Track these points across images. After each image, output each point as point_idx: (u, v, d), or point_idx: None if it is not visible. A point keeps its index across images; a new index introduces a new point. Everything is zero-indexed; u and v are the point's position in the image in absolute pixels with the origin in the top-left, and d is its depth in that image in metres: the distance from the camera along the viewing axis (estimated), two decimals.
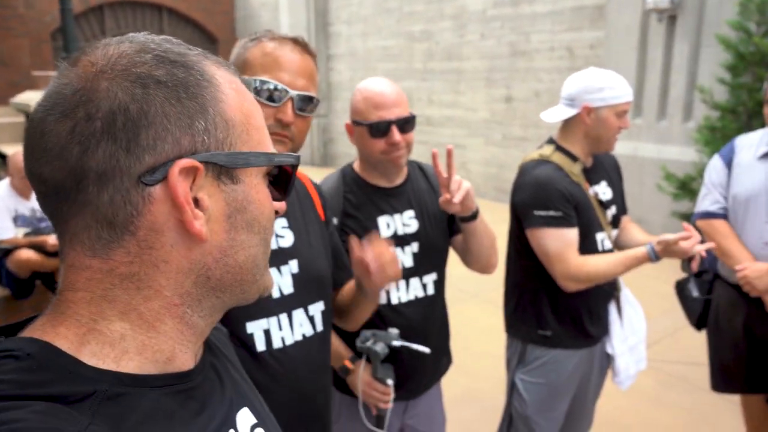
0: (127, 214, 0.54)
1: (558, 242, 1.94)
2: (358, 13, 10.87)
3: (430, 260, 1.84)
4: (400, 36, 10.06)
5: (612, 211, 2.14)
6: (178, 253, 0.56)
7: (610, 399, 3.21)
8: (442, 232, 1.87)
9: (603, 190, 2.12)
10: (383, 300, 1.76)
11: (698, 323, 2.57)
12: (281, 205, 0.67)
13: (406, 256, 1.78)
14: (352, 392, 1.75)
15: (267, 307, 1.25)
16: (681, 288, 2.53)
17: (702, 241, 1.99)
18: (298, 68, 1.23)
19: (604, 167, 2.19)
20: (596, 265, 1.95)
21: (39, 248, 4.04)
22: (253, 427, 0.68)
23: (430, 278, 1.84)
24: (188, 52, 0.59)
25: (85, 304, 0.55)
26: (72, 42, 6.71)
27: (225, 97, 0.59)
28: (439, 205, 1.67)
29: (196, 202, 0.56)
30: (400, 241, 1.77)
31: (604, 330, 2.17)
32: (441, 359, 1.95)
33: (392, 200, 1.78)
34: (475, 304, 4.85)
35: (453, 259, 1.99)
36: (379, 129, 1.66)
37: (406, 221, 1.80)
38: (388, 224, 1.78)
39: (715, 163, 2.39)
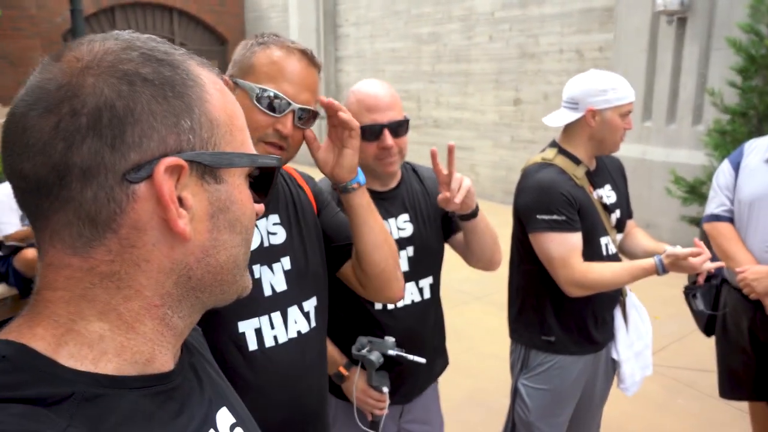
0: (110, 212, 0.53)
1: (561, 247, 1.91)
2: (367, 15, 10.88)
3: (426, 264, 1.82)
4: (408, 38, 10.05)
5: (616, 214, 2.12)
6: (160, 252, 0.56)
7: (616, 405, 3.18)
8: (437, 235, 1.85)
9: (607, 194, 2.09)
10: (379, 305, 1.74)
11: (707, 329, 2.54)
12: (261, 207, 0.67)
13: (401, 261, 1.76)
14: (345, 397, 1.74)
15: (259, 305, 1.25)
16: (688, 294, 2.50)
17: (713, 257, 1.96)
18: (303, 81, 1.23)
19: (608, 170, 2.16)
20: (601, 272, 1.92)
21: None
22: (232, 427, 0.68)
23: (426, 282, 1.82)
24: (173, 51, 0.59)
25: (63, 303, 0.55)
26: None
27: (210, 97, 0.59)
28: (438, 203, 1.62)
29: (180, 201, 0.56)
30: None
31: (609, 335, 2.14)
32: (436, 361, 1.93)
33: (386, 204, 1.75)
34: (480, 306, 4.83)
35: (456, 261, 1.97)
36: (372, 132, 1.63)
37: (401, 225, 1.78)
38: None
39: (724, 166, 2.39)
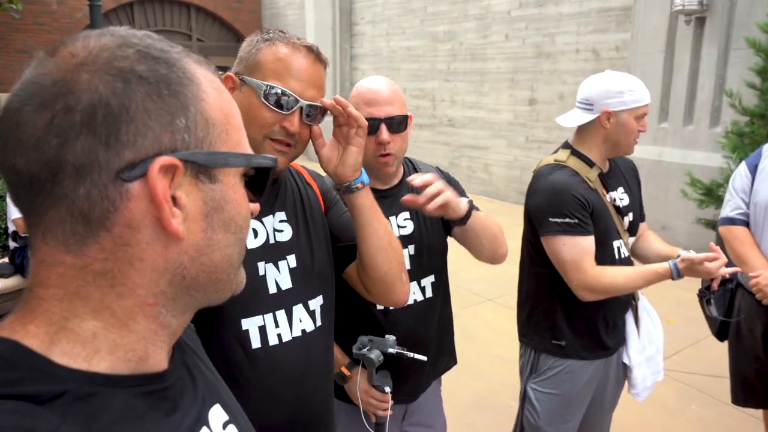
0: (104, 210, 0.53)
1: (574, 250, 1.89)
2: (383, 13, 10.87)
3: (428, 262, 1.79)
4: (423, 36, 10.03)
5: (629, 218, 2.08)
6: (154, 251, 0.56)
7: (627, 410, 3.15)
8: (438, 232, 1.81)
9: (620, 197, 2.06)
10: (381, 305, 1.72)
11: (720, 334, 2.51)
12: (255, 207, 0.67)
13: None
14: (349, 399, 1.72)
15: (264, 303, 1.24)
16: (702, 299, 2.47)
17: (729, 264, 1.93)
18: (309, 77, 1.21)
19: (621, 172, 2.13)
20: (614, 277, 1.89)
21: None
22: (225, 424, 0.68)
23: (428, 281, 1.80)
24: (170, 49, 0.58)
25: (56, 301, 0.54)
26: None
27: (206, 96, 0.59)
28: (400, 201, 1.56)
29: (174, 200, 0.55)
30: None
31: (620, 340, 2.11)
32: (439, 360, 1.91)
33: (387, 202, 1.72)
34: (492, 307, 4.80)
35: (469, 260, 1.94)
36: (369, 126, 1.61)
37: (402, 223, 1.75)
38: None
39: (741, 169, 2.36)
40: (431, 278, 1.80)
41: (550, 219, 1.90)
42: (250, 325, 1.22)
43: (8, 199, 4.11)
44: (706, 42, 5.90)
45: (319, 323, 1.32)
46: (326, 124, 1.18)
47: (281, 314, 1.26)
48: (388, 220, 1.70)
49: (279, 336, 1.25)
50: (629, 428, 3.14)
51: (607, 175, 2.06)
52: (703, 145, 6.02)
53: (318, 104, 1.23)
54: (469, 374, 3.68)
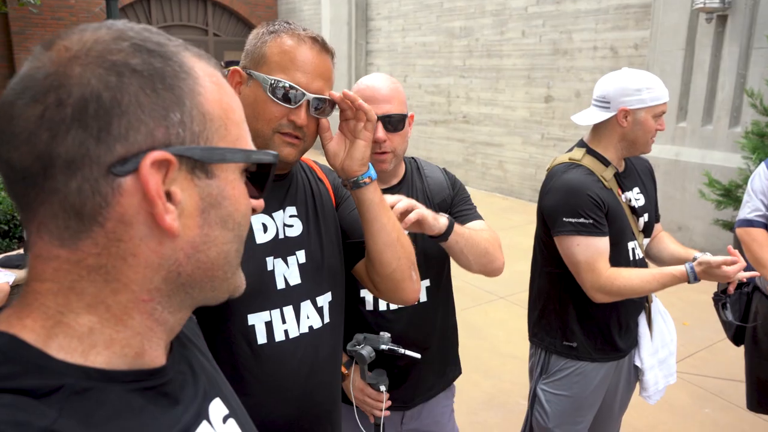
0: (96, 205, 0.52)
1: (588, 251, 1.85)
2: (399, 8, 10.83)
3: (424, 265, 1.71)
4: (439, 32, 9.98)
5: (644, 218, 2.05)
6: (148, 247, 0.55)
7: (640, 412, 3.11)
8: None
9: (635, 197, 2.02)
10: (370, 306, 1.70)
11: (736, 338, 2.47)
12: (258, 203, 0.66)
13: None
14: (347, 399, 1.69)
15: (271, 298, 1.23)
16: (717, 303, 2.43)
17: (747, 267, 1.89)
18: (315, 69, 1.20)
19: (637, 172, 2.09)
20: (629, 279, 1.85)
21: None
22: (225, 418, 0.68)
23: (422, 284, 1.75)
24: (167, 42, 0.57)
25: (52, 295, 0.54)
26: None
27: (203, 90, 0.58)
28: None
29: (169, 195, 0.55)
30: None
31: (633, 342, 2.08)
32: (441, 370, 1.86)
33: None
34: (504, 305, 4.78)
35: None
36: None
37: None
38: None
39: (760, 170, 2.32)
40: (426, 282, 1.76)
41: (564, 219, 1.87)
42: (257, 320, 1.21)
43: None
44: (727, 40, 5.81)
45: (327, 320, 1.31)
46: (332, 118, 1.17)
47: (288, 310, 1.25)
48: None
49: (285, 332, 1.23)
50: (641, 430, 3.10)
51: (623, 174, 2.02)
52: (722, 145, 5.93)
53: (326, 97, 1.21)
54: (480, 372, 3.66)
